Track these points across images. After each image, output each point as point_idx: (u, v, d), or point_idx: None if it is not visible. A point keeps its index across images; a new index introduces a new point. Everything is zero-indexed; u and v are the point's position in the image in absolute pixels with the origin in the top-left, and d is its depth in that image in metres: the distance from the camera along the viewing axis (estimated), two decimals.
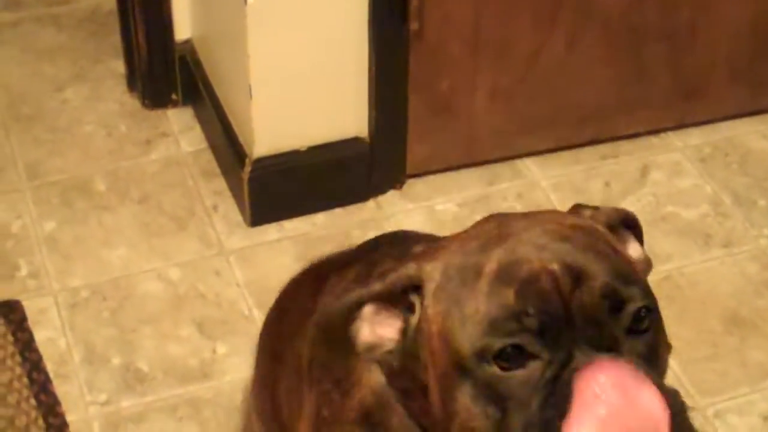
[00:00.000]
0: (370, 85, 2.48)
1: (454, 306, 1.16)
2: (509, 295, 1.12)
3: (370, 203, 2.60)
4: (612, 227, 1.28)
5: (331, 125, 2.51)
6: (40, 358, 2.30)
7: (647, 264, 1.30)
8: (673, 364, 2.29)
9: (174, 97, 2.85)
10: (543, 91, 2.64)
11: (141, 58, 2.82)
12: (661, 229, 2.57)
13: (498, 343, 1.11)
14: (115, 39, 2.96)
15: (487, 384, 1.12)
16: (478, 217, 2.53)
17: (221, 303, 2.40)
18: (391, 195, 2.62)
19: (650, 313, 1.16)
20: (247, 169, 2.50)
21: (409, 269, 1.20)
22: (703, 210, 2.62)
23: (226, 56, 2.58)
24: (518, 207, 2.60)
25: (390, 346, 1.21)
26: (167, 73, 2.83)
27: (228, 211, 2.60)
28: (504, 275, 1.14)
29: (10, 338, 2.33)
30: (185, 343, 2.33)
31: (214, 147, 2.73)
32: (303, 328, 1.52)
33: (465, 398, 1.14)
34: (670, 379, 2.22)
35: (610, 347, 1.13)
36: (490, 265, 1.16)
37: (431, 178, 2.66)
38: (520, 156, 2.70)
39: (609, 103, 2.71)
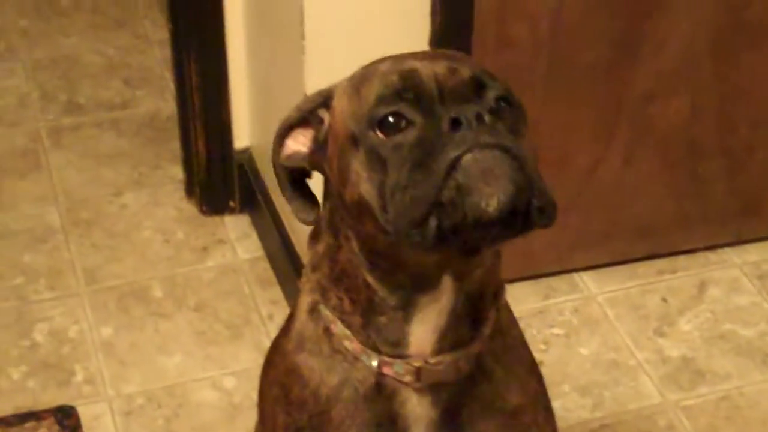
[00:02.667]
0: None
1: (354, 95, 1.37)
2: (394, 78, 1.34)
3: None
4: None
5: None
6: None
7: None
8: None
9: (231, 204, 2.88)
10: (599, 206, 2.64)
11: (200, 164, 2.85)
12: (720, 347, 2.55)
13: (380, 112, 1.32)
14: (174, 145, 3.00)
15: (372, 149, 1.32)
16: (535, 332, 2.53)
17: None
18: None
19: (511, 105, 1.36)
20: (304, 279, 2.51)
21: (321, 90, 1.45)
22: (762, 328, 2.60)
23: None
24: (575, 321, 2.59)
25: (304, 151, 1.45)
26: (225, 180, 2.86)
27: (284, 320, 2.59)
28: (393, 68, 1.36)
29: None
30: None
31: (270, 255, 2.74)
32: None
33: (356, 165, 1.33)
34: None
35: (473, 107, 1.31)
36: (384, 65, 1.38)
37: None
38: (576, 270, 2.70)
39: (666, 217, 2.71)
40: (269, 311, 2.63)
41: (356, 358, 1.43)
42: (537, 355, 1.59)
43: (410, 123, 1.31)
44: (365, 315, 1.41)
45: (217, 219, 2.88)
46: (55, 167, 3.04)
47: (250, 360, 2.51)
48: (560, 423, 1.70)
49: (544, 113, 2.50)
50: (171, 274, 2.73)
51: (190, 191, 2.93)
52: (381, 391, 1.44)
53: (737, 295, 2.68)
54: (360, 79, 1.39)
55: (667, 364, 2.51)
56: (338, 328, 1.44)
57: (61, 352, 2.54)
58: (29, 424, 2.37)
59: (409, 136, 1.30)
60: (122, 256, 2.78)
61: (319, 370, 1.47)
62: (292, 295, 2.59)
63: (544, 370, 1.61)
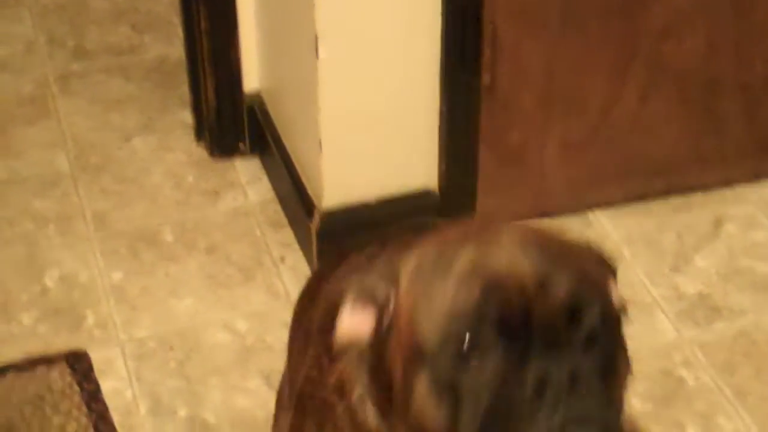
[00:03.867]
0: (440, 137, 2.46)
1: (424, 297, 1.19)
2: (475, 292, 1.16)
3: None
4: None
5: (401, 178, 2.50)
6: (106, 409, 2.29)
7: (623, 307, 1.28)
8: (751, 422, 2.24)
9: (242, 147, 2.85)
10: (615, 144, 2.61)
11: (209, 108, 2.82)
12: (736, 283, 2.53)
13: (457, 331, 1.15)
14: (183, 90, 2.98)
15: (443, 374, 1.15)
16: None
17: None
18: None
19: (610, 324, 1.19)
20: (316, 220, 2.49)
21: (386, 263, 1.27)
22: None
23: (295, 108, 2.58)
24: None
25: (365, 336, 1.25)
26: (235, 123, 2.83)
27: (296, 261, 2.58)
28: (473, 273, 1.17)
29: (77, 388, 2.32)
30: (252, 395, 2.31)
31: (281, 198, 2.72)
32: (319, 293, 1.59)
33: (422, 387, 1.17)
34: None
35: (563, 356, 1.14)
36: (462, 261, 1.19)
37: None
38: (590, 208, 2.68)
39: (682, 155, 2.68)
40: (281, 253, 2.61)
41: None
42: None
43: (490, 351, 1.15)
44: None
45: (227, 162, 2.85)
46: (63, 113, 3.01)
47: (262, 302, 2.50)
48: None
49: (558, 53, 2.48)
50: (181, 218, 2.70)
51: (199, 135, 2.90)
52: None
53: (753, 231, 2.65)
54: (434, 271, 1.21)
55: (682, 301, 2.49)
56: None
57: (72, 297, 2.52)
58: (41, 369, 2.35)
59: (488, 369, 1.14)
60: (132, 201, 2.76)
61: None
62: (303, 237, 2.57)
63: None
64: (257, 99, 2.81)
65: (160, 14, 3.36)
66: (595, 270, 1.23)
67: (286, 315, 2.44)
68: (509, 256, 1.18)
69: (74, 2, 3.40)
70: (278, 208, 2.72)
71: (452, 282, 1.17)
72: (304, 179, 2.57)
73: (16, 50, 3.24)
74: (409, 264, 1.23)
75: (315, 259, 2.52)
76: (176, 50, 3.16)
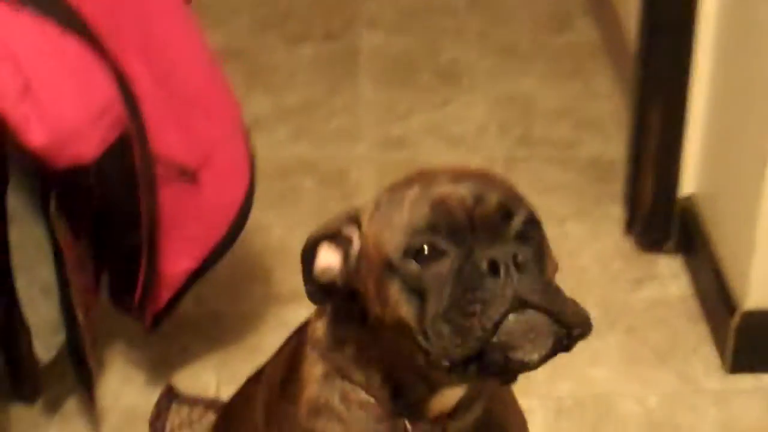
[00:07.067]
0: None
1: (386, 223, 1.50)
2: (426, 209, 1.47)
3: None
4: None
5: None
6: None
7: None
8: None
9: (668, 245, 3.06)
10: None
11: (644, 204, 3.05)
12: None
13: (416, 243, 1.45)
14: (613, 187, 3.23)
15: (409, 278, 1.45)
16: None
17: None
18: None
19: (535, 226, 1.50)
20: (736, 319, 2.66)
21: (348, 211, 1.57)
22: None
23: (732, 210, 2.75)
24: None
25: (336, 268, 1.56)
26: (665, 221, 3.04)
27: (708, 355, 2.76)
28: (422, 196, 1.49)
29: None
30: None
31: (701, 294, 2.90)
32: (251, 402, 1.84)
33: (394, 291, 1.46)
34: None
35: (504, 246, 1.44)
36: (412, 192, 1.50)
37: None
38: None
39: None
40: (694, 345, 2.79)
41: (381, 418, 1.59)
42: None
43: (444, 253, 1.44)
44: (392, 391, 1.58)
45: (651, 257, 3.06)
46: None
47: (672, 385, 2.69)
48: None
49: None
50: (606, 299, 2.93)
51: (629, 228, 3.13)
52: None
53: None
54: (389, 206, 1.51)
55: None
56: (362, 395, 1.59)
57: None
58: None
59: (445, 267, 1.43)
60: (562, 278, 2.99)
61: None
62: (720, 334, 2.75)
63: None
64: (689, 201, 3.01)
65: (601, 116, 3.62)
66: (515, 189, 1.55)
67: (695, 400, 2.63)
68: (448, 183, 1.49)
69: (525, 96, 3.73)
70: (696, 304, 2.90)
71: (407, 207, 1.48)
72: (728, 278, 2.74)
73: (469, 130, 3.58)
74: (368, 207, 1.54)
75: (729, 355, 2.69)
76: (611, 149, 3.42)
